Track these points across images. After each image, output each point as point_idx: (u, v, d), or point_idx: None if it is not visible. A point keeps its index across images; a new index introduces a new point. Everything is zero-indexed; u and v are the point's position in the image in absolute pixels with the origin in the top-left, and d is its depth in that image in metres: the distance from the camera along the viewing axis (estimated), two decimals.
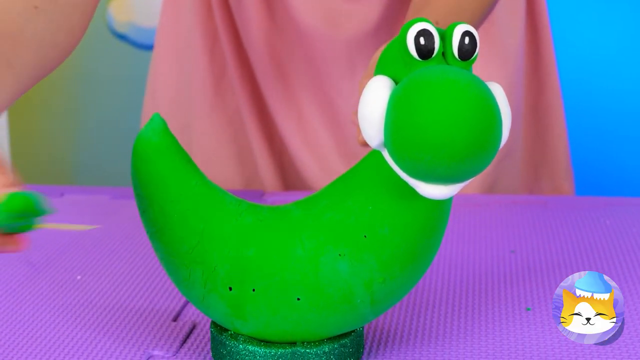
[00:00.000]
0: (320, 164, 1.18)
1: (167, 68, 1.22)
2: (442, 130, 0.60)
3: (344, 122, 1.17)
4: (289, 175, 1.20)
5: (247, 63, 1.17)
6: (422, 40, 0.63)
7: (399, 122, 0.61)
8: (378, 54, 0.79)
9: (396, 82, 0.64)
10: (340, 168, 1.17)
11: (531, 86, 1.21)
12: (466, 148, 0.60)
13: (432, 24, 0.63)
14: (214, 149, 1.19)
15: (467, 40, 0.64)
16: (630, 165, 2.30)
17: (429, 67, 0.63)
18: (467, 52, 0.64)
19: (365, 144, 0.75)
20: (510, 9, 1.17)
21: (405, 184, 0.65)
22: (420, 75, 0.62)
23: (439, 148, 0.60)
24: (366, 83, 0.74)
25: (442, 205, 0.68)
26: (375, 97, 0.63)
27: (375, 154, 0.67)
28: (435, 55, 0.64)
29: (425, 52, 0.63)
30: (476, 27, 0.89)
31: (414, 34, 0.63)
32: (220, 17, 1.16)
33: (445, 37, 0.64)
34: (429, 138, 0.60)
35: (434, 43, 0.63)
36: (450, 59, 0.64)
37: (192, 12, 1.17)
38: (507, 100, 0.64)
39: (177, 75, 1.21)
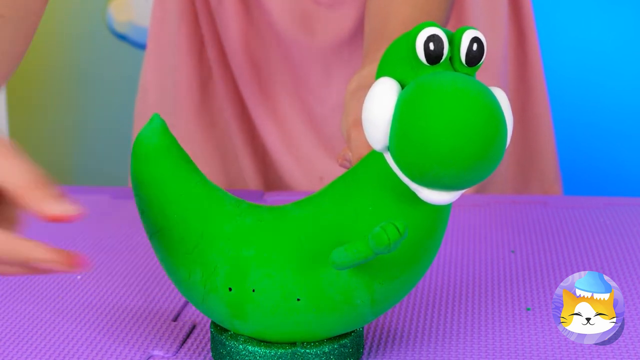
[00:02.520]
0: (300, 166, 1.19)
1: (156, 69, 1.22)
2: (451, 140, 0.60)
3: (321, 125, 1.18)
4: (270, 176, 1.21)
5: (229, 66, 1.18)
6: (431, 46, 0.63)
7: (406, 129, 0.61)
8: (352, 84, 0.79)
9: (402, 85, 0.64)
10: (318, 169, 1.17)
11: (518, 91, 1.21)
12: (473, 158, 0.60)
13: (441, 28, 0.63)
14: (198, 150, 1.20)
15: (475, 46, 0.63)
16: (628, 166, 2.30)
17: (438, 73, 0.63)
18: (475, 58, 0.64)
19: (344, 165, 0.75)
20: (492, 17, 1.17)
21: (407, 186, 0.65)
22: (430, 83, 0.62)
23: (446, 157, 0.60)
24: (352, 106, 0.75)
25: (443, 207, 0.68)
26: (382, 101, 0.63)
27: (376, 155, 0.66)
28: (443, 60, 0.63)
29: (433, 57, 0.63)
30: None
31: (424, 38, 0.63)
32: (204, 21, 1.17)
33: (454, 41, 0.64)
34: (436, 146, 0.60)
35: (442, 49, 0.63)
36: (457, 64, 0.64)
37: (179, 16, 1.18)
38: (510, 107, 0.64)
39: (164, 77, 1.21)
